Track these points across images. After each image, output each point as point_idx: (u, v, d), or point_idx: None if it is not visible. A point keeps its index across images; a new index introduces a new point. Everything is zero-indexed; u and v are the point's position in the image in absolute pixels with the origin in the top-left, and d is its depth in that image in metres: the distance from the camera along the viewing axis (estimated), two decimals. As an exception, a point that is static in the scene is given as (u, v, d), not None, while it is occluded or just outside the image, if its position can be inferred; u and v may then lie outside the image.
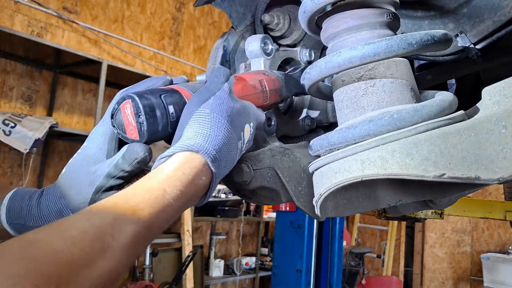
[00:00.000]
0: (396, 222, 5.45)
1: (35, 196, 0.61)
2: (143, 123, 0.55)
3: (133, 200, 0.46)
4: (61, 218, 0.46)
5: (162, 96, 0.57)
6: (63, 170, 0.59)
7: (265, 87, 0.71)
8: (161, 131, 0.57)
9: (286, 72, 0.80)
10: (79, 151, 0.59)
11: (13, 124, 2.87)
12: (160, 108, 0.56)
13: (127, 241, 0.44)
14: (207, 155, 0.53)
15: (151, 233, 0.47)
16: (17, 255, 0.37)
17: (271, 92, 0.72)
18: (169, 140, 0.58)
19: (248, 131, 0.62)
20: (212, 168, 0.54)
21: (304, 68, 0.76)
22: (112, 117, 0.57)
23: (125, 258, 0.44)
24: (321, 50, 0.94)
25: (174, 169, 0.51)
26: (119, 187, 0.56)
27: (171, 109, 0.57)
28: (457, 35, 0.72)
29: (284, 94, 0.75)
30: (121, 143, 0.60)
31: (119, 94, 0.59)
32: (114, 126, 0.57)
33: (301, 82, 0.69)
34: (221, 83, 0.60)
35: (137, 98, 0.55)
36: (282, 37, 0.85)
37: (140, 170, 0.57)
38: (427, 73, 0.89)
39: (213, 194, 4.86)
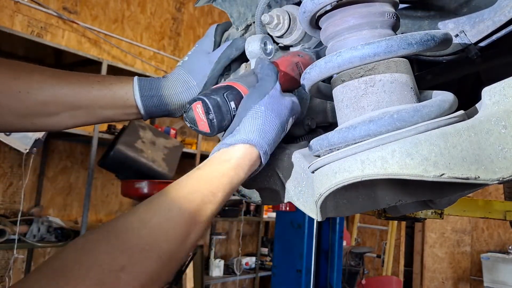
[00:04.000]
0: (396, 222, 5.45)
1: (160, 77, 0.83)
2: (213, 120, 0.67)
3: (212, 185, 0.61)
4: (161, 196, 0.58)
5: (225, 94, 0.68)
6: (185, 58, 0.85)
7: (301, 69, 0.77)
8: (226, 124, 0.69)
9: (315, 48, 0.85)
10: (195, 46, 0.87)
11: (13, 124, 2.87)
12: (224, 105, 0.68)
13: (208, 217, 0.59)
14: (261, 149, 0.65)
15: (220, 208, 0.62)
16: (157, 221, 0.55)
17: None
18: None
19: (289, 123, 0.72)
20: (262, 159, 0.67)
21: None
22: (184, 113, 0.70)
23: (205, 229, 0.60)
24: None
25: (239, 159, 0.64)
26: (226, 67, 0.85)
27: (232, 104, 0.69)
28: (457, 35, 0.72)
29: None
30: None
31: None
32: (186, 121, 0.70)
33: (301, 82, 0.69)
34: (274, 82, 0.70)
35: (206, 100, 0.67)
36: (282, 37, 0.85)
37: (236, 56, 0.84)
38: (427, 73, 0.89)
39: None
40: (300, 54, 0.81)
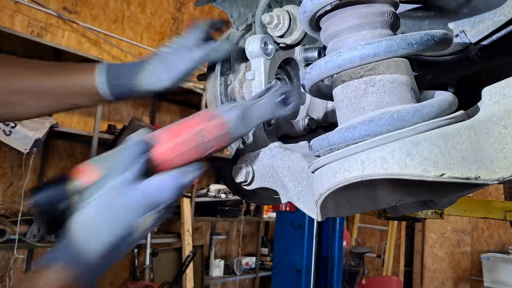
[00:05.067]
0: (396, 222, 5.45)
1: (134, 63, 0.83)
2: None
3: None
4: None
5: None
6: (167, 49, 0.83)
7: (204, 137, 0.67)
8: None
9: (255, 96, 0.75)
10: (180, 39, 0.84)
11: (13, 124, 2.87)
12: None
13: None
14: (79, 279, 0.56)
15: None
16: None
17: (212, 141, 0.68)
18: None
19: (148, 219, 0.59)
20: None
21: (270, 88, 0.74)
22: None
23: None
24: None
25: None
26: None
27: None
28: (457, 35, 0.72)
29: (237, 133, 0.70)
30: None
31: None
32: None
33: (301, 82, 0.69)
34: (124, 169, 0.57)
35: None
36: (282, 37, 0.85)
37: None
38: (427, 73, 0.89)
39: (213, 194, 4.79)
40: (215, 117, 0.69)
